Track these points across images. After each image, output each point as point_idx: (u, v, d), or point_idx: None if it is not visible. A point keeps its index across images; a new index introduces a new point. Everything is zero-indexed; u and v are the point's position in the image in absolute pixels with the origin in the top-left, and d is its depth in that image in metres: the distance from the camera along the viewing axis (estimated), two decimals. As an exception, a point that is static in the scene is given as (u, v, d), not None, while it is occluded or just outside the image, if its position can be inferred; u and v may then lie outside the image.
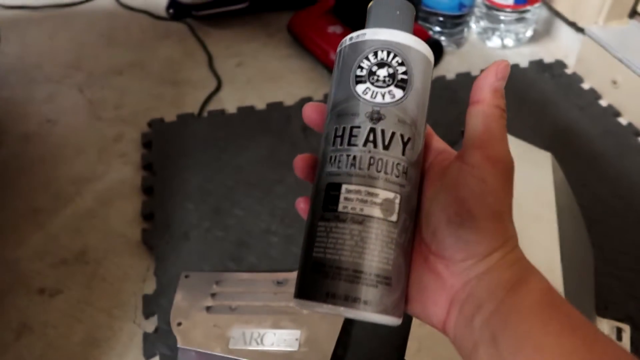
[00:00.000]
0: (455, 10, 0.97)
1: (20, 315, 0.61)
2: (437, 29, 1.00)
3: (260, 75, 0.97)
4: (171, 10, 1.08)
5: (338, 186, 0.26)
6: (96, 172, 0.78)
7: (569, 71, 0.96)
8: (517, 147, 0.74)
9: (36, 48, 1.03)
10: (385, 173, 0.26)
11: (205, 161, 0.79)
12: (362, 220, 0.25)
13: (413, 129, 0.27)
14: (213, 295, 0.61)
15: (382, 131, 0.26)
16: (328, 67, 0.93)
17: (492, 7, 0.99)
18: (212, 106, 0.89)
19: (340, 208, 0.26)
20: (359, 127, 0.26)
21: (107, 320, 0.61)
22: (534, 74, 0.96)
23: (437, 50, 0.96)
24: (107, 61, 0.99)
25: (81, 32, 1.07)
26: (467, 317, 0.24)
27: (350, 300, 0.25)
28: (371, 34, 0.28)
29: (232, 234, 0.69)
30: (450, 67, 0.98)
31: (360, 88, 0.27)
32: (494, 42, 1.03)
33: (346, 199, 0.26)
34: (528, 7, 0.98)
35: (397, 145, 0.26)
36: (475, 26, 1.05)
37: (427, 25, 1.01)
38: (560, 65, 0.97)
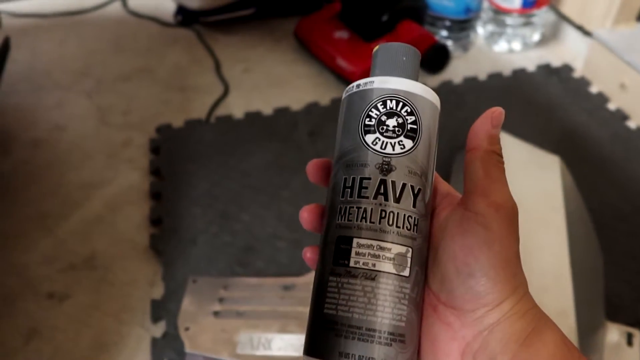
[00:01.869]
0: (461, 15, 0.97)
1: (29, 320, 0.62)
2: (444, 33, 1.00)
3: (267, 80, 0.97)
4: (179, 17, 1.09)
5: (349, 240, 0.26)
6: (104, 178, 0.79)
7: (576, 75, 0.95)
8: (525, 151, 0.74)
9: (46, 55, 1.04)
10: (397, 227, 0.25)
11: (212, 166, 0.79)
12: (375, 276, 0.25)
13: (423, 180, 0.27)
14: (221, 300, 0.61)
15: (393, 183, 0.26)
16: (334, 72, 0.93)
17: (499, 12, 0.99)
18: (220, 112, 0.90)
19: (351, 263, 0.25)
20: (369, 178, 0.26)
21: (115, 325, 0.61)
22: (541, 78, 0.95)
23: (444, 54, 0.96)
24: (115, 68, 1.00)
25: (90, 40, 1.08)
26: None
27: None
28: (379, 82, 0.27)
29: (239, 239, 0.69)
30: (457, 71, 0.97)
31: (369, 138, 0.27)
32: (501, 46, 1.02)
33: (357, 253, 0.25)
34: (535, 11, 0.97)
35: (408, 197, 0.26)
36: (482, 30, 1.05)
37: (434, 29, 1.01)
38: (567, 69, 0.97)
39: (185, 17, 1.09)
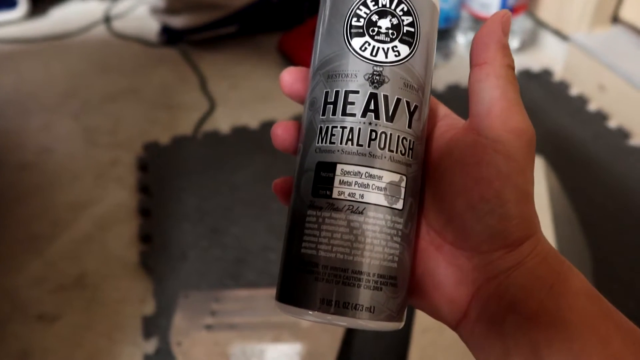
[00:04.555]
0: (441, 24, 0.99)
1: (20, 342, 0.61)
2: (425, 43, 1.02)
3: (253, 95, 0.98)
4: (164, 36, 1.10)
5: (332, 166, 0.22)
6: (93, 198, 0.79)
7: (556, 78, 0.97)
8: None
9: (31, 79, 1.04)
10: (390, 150, 0.22)
11: (201, 181, 0.79)
12: (363, 209, 0.21)
13: (420, 95, 0.23)
14: (213, 313, 0.61)
15: (385, 97, 0.22)
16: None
17: (478, 20, 1.01)
18: (206, 127, 0.91)
19: (335, 194, 0.21)
20: (356, 92, 0.22)
21: (107, 343, 0.61)
22: (522, 83, 0.97)
23: (426, 63, 0.98)
24: (101, 89, 1.01)
25: (75, 62, 1.09)
26: (494, 318, 0.21)
27: (351, 307, 0.21)
28: None
29: (230, 252, 0.69)
30: (440, 79, 0.99)
31: (357, 42, 0.22)
32: (482, 53, 1.04)
33: (342, 182, 0.21)
34: (512, 18, 1.00)
35: (402, 115, 0.22)
36: (462, 39, 1.07)
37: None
38: (547, 73, 0.99)
39: (169, 36, 1.10)
